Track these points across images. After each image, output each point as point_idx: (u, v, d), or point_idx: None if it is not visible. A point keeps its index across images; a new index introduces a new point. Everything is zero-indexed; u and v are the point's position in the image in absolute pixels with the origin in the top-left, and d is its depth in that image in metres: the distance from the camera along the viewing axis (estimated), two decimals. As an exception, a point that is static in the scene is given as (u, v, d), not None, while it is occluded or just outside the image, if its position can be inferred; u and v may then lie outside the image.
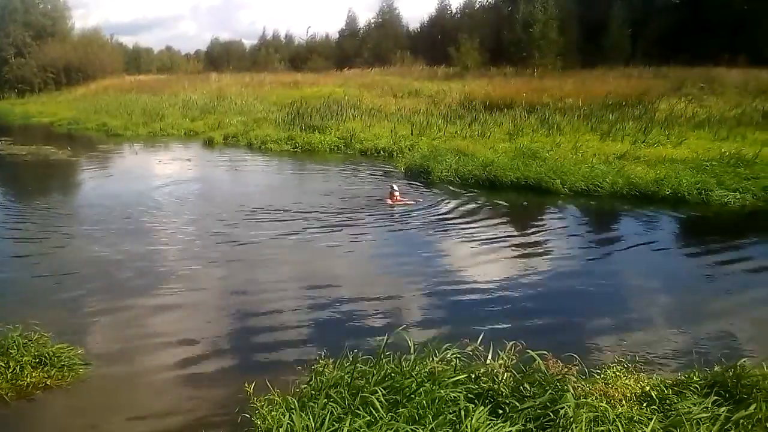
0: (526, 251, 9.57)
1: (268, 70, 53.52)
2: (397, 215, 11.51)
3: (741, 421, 4.02)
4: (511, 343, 4.87)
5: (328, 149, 21.35)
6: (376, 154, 19.87)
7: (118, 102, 36.45)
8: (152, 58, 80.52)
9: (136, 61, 74.80)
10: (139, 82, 47.78)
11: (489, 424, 3.82)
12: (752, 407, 4.13)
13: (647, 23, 47.57)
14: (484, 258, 9.08)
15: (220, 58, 71.89)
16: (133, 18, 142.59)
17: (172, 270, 8.31)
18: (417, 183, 15.09)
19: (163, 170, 17.51)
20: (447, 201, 12.91)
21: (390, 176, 16.11)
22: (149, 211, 11.80)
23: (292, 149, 21.79)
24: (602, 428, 3.82)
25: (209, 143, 23.92)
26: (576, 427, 3.75)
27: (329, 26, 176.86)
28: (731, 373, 4.59)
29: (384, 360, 4.53)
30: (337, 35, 67.04)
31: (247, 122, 26.44)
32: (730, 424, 4.00)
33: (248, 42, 78.46)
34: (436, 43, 55.66)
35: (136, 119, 29.68)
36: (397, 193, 12.38)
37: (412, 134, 21.36)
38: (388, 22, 63.10)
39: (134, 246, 9.37)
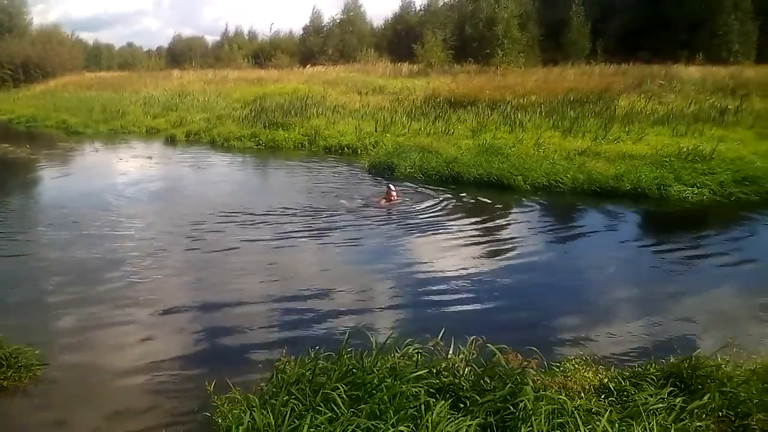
0: (488, 246, 9.65)
1: (232, 66, 53.07)
2: (360, 214, 11.46)
3: (695, 410, 4.11)
4: (471, 338, 4.93)
5: (292, 146, 21.23)
6: (340, 151, 19.83)
7: (78, 99, 35.81)
8: (113, 55, 79.34)
9: (96, 57, 73.66)
10: (99, 79, 46.97)
11: (450, 418, 3.86)
12: (706, 397, 4.24)
13: (608, 21, 48.29)
14: (446, 254, 9.13)
15: (182, 54, 71.19)
16: (94, 13, 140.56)
17: (133, 270, 8.18)
18: (381, 180, 15.10)
19: (125, 169, 17.25)
20: (412, 198, 12.94)
21: (354, 173, 16.16)
22: (111, 212, 11.54)
23: (255, 146, 21.66)
24: (561, 420, 3.87)
25: (171, 141, 23.65)
26: (535, 420, 3.80)
27: (293, 23, 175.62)
28: (687, 365, 4.69)
29: (346, 356, 4.54)
30: (302, 32, 66.68)
31: (209, 119, 26.18)
32: (685, 414, 4.08)
33: (211, 38, 77.87)
34: (400, 41, 55.88)
35: (96, 117, 29.19)
36: (394, 193, 12.32)
37: (376, 131, 21.36)
38: (352, 19, 63.04)
39: (95, 248, 9.19)
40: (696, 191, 12.76)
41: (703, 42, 42.96)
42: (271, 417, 3.82)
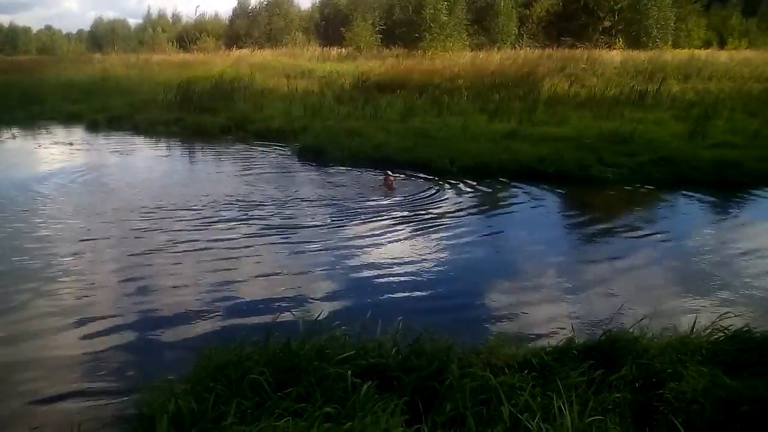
0: (415, 229, 9.72)
1: (156, 50, 51.72)
2: (290, 203, 11.33)
3: (614, 382, 4.27)
4: (399, 319, 4.99)
5: (219, 131, 20.81)
6: (269, 136, 19.57)
7: (-7, 85, 34.22)
8: (31, 38, 76.20)
9: (12, 41, 70.63)
10: (15, 64, 45.01)
11: (377, 397, 3.90)
12: (624, 369, 4.40)
13: (533, 6, 49.17)
14: (375, 237, 9.16)
15: (104, 37, 68.94)
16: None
17: (61, 264, 7.91)
18: (311, 164, 15.04)
19: (46, 157, 16.57)
20: (344, 183, 12.97)
21: (282, 157, 16.04)
22: (33, 205, 11.08)
23: (181, 131, 21.09)
24: (485, 396, 3.97)
25: (93, 126, 22.85)
26: (460, 396, 3.89)
27: (219, 5, 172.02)
28: (606, 339, 4.85)
29: (273, 341, 4.53)
30: (228, 14, 65.48)
31: (133, 104, 25.40)
32: (604, 386, 4.24)
33: (134, 21, 75.60)
34: (328, 24, 55.54)
35: (13, 103, 27.93)
36: (392, 178, 12.24)
37: (305, 115, 21.19)
38: (279, 2, 62.18)
39: (16, 244, 8.85)
40: (617, 171, 13.18)
41: (624, 27, 44.30)
42: (194, 404, 3.78)
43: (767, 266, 8.06)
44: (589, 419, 3.53)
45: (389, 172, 12.45)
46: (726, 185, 12.49)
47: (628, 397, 4.07)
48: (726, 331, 4.92)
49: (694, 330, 5.02)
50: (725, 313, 5.23)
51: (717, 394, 3.86)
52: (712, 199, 11.89)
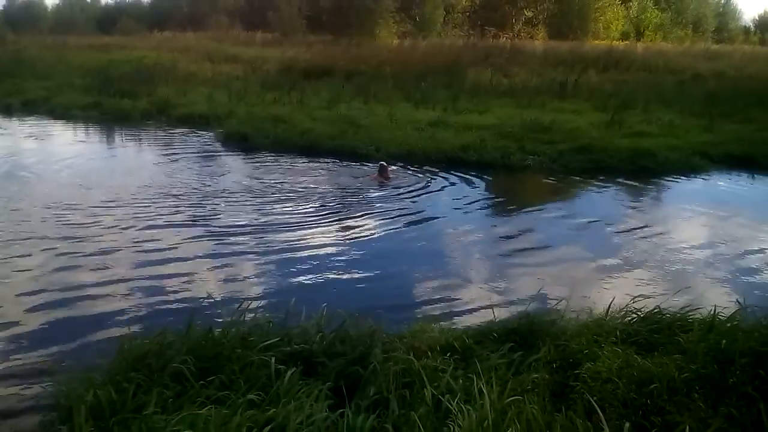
0: (341, 216, 9.72)
1: (74, 32, 49.70)
2: (209, 191, 11.11)
3: (533, 363, 4.39)
4: (324, 305, 5.00)
5: (140, 116, 20.20)
6: (192, 121, 19.13)
7: None
8: (-66, 17, 72.08)
9: None
10: None
11: (301, 383, 3.91)
12: (542, 351, 4.53)
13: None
14: (301, 224, 9.12)
15: (18, 18, 65.71)
16: None
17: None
18: (236, 151, 14.82)
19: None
20: (268, 169, 12.84)
21: (205, 144, 15.75)
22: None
23: (100, 116, 20.30)
24: (408, 379, 4.03)
25: (6, 110, 21.80)
26: (383, 380, 3.93)
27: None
28: (525, 321, 4.98)
29: (195, 329, 4.47)
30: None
31: (49, 87, 24.41)
32: (523, 367, 4.36)
33: (51, 2, 72.39)
34: (253, 8, 54.60)
35: None
36: (390, 168, 12.10)
37: (229, 101, 20.86)
38: (202, -16, 60.78)
39: None
40: (537, 159, 13.52)
41: (546, 18, 45.26)
42: (114, 394, 3.69)
43: (678, 249, 8.44)
44: (508, 399, 3.62)
45: (384, 163, 12.24)
46: (641, 173, 12.99)
47: (546, 378, 4.19)
48: (639, 312, 5.12)
49: (609, 312, 5.21)
50: (638, 296, 5.46)
51: (630, 374, 4.01)
52: (628, 185, 12.35)
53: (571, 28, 46.08)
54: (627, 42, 41.22)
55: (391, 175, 12.10)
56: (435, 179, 12.21)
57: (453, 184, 11.98)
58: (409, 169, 12.79)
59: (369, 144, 14.24)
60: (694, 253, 8.33)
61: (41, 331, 5.63)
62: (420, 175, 12.48)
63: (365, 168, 12.88)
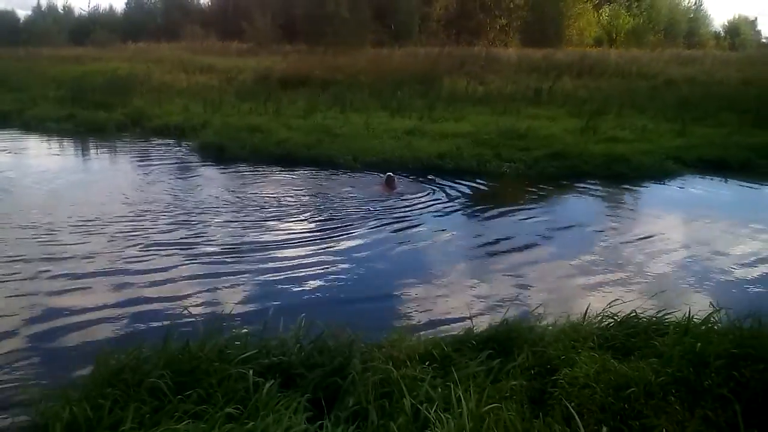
0: (320, 224, 9.71)
1: (47, 43, 49.13)
2: (177, 203, 11.00)
3: (511, 370, 4.40)
4: (302, 315, 4.97)
5: (115, 128, 20.02)
6: (167, 133, 19.01)
7: None
8: None
9: None
10: None
11: (280, 396, 3.88)
12: (520, 358, 4.54)
13: (434, 5, 49.91)
14: (278, 232, 9.11)
15: (-11, 29, 64.85)
16: None
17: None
18: (212, 162, 14.74)
19: None
20: (240, 178, 12.80)
21: (181, 155, 15.65)
22: None
23: (74, 128, 20.07)
24: (387, 389, 4.01)
25: (-23, 124, 21.51)
26: (362, 390, 3.92)
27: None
28: (503, 328, 4.99)
29: (172, 343, 4.42)
30: (123, 7, 63.13)
31: (23, 100, 24.12)
32: (501, 374, 4.36)
33: (23, 13, 71.51)
34: (227, 18, 54.41)
35: None
36: (396, 180, 11.98)
37: (205, 111, 20.77)
38: (176, -5, 60.57)
39: None
40: (513, 166, 13.61)
41: (520, 25, 45.62)
42: (89, 411, 3.65)
43: (653, 252, 8.54)
44: (486, 407, 3.63)
45: (391, 174, 12.17)
46: (616, 178, 13.15)
47: (524, 384, 4.20)
48: (615, 317, 5.16)
49: (587, 317, 5.25)
50: (615, 300, 5.49)
51: (607, 378, 4.04)
52: (602, 190, 12.48)
53: (545, 35, 46.48)
54: (600, 48, 41.60)
55: (397, 186, 12.03)
56: (410, 187, 12.21)
57: (429, 191, 11.98)
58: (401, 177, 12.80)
59: (346, 153, 14.26)
60: (669, 255, 8.44)
61: (16, 350, 5.53)
62: (426, 184, 12.52)
63: (343, 177, 12.90)
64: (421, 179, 12.80)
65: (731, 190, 12.98)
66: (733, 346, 4.12)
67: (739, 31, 66.65)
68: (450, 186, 12.38)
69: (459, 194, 12.00)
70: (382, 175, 12.48)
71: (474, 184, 12.71)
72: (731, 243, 9.10)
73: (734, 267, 7.99)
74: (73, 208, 10.37)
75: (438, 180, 12.73)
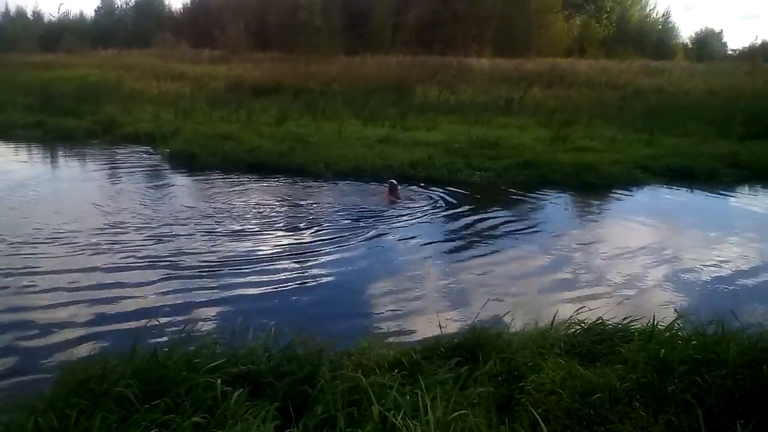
0: (291, 232, 9.68)
1: (16, 49, 48.38)
2: (154, 212, 10.91)
3: (479, 377, 4.43)
4: (272, 324, 4.97)
5: (84, 135, 19.79)
6: (138, 140, 18.82)
7: None
8: None
9: None
10: None
11: (248, 405, 3.87)
12: (488, 365, 4.58)
13: (405, 13, 50.12)
14: (248, 241, 9.07)
15: (-42, 36, 63.69)
16: None
17: None
18: (182, 170, 14.64)
19: None
20: (211, 186, 12.73)
21: (150, 163, 15.52)
22: None
23: (43, 135, 19.75)
24: (356, 397, 4.02)
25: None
26: (331, 398, 3.92)
27: (84, 4, 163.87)
28: (471, 335, 5.02)
29: (140, 352, 4.39)
30: (93, 13, 62.48)
31: (-12, 107, 23.77)
32: (469, 381, 4.39)
33: (-9, 19, 70.12)
34: (199, 26, 54.11)
35: None
36: (399, 188, 11.93)
37: (176, 119, 20.63)
38: (147, 2, 60.06)
39: None
40: (484, 174, 13.73)
41: (491, 35, 45.98)
42: (56, 421, 3.60)
43: (620, 260, 8.67)
44: (454, 414, 3.65)
45: (394, 181, 12.14)
46: (585, 186, 13.32)
47: (491, 391, 4.23)
48: (582, 324, 5.22)
49: (554, 324, 5.31)
50: (582, 307, 5.56)
51: (573, 384, 4.08)
52: (572, 199, 12.62)
53: (516, 45, 46.89)
54: (570, 59, 42.06)
55: (401, 194, 12.03)
56: (379, 194, 12.24)
57: (411, 199, 12.03)
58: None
59: (318, 161, 14.25)
60: (635, 262, 8.58)
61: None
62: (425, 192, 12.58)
63: (322, 185, 12.89)
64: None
65: (696, 199, 13.20)
66: (696, 352, 4.20)
67: (706, 42, 67.77)
68: (423, 193, 12.43)
69: (427, 201, 12.02)
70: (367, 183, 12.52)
71: (444, 191, 12.76)
72: (695, 250, 9.29)
73: (697, 274, 8.15)
74: (43, 218, 10.17)
75: (408, 187, 12.77)
